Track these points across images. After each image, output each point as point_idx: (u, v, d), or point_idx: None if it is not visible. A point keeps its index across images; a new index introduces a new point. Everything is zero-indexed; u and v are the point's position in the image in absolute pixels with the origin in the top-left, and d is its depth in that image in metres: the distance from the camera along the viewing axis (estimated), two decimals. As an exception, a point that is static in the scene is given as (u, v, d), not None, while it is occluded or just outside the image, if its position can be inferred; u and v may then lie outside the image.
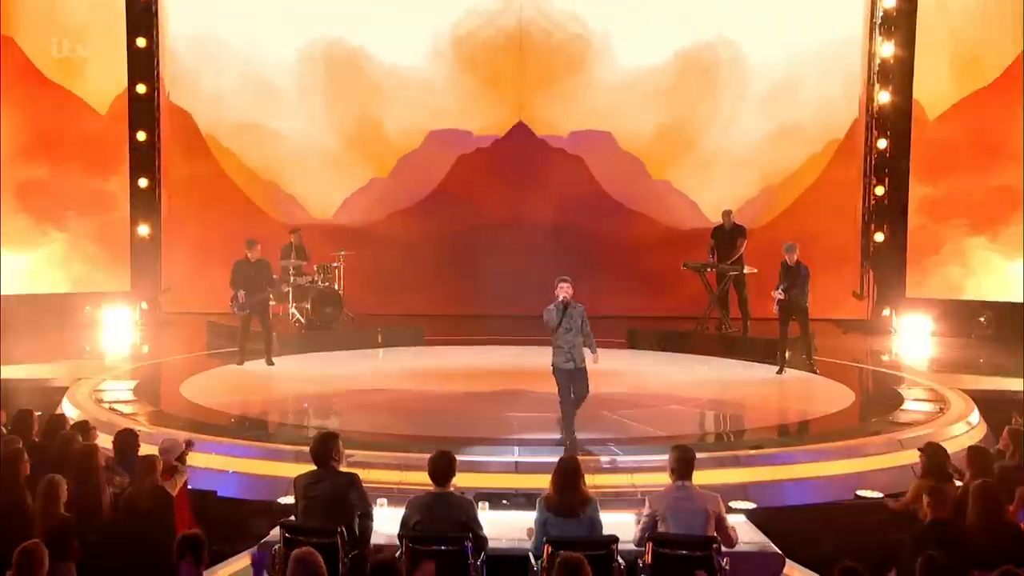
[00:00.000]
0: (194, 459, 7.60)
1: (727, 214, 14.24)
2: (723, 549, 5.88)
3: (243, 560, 6.80)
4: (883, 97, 16.41)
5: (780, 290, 12.12)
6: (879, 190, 16.58)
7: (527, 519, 6.31)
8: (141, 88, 16.37)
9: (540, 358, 12.42)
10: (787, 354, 12.55)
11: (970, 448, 7.67)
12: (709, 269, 14.19)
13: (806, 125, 16.95)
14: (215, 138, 17.18)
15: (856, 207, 16.90)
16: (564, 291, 8.94)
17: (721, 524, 6.02)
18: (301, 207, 17.23)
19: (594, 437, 9.40)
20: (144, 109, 16.46)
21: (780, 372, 12.46)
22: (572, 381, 8.99)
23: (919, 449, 7.51)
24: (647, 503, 6.11)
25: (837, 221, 16.78)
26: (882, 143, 16.49)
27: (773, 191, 17.01)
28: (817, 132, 16.96)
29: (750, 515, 7.16)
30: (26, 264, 16.04)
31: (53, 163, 16.00)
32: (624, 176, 17.21)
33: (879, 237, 16.55)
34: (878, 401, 11.74)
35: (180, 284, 16.84)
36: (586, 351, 9.05)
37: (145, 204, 16.62)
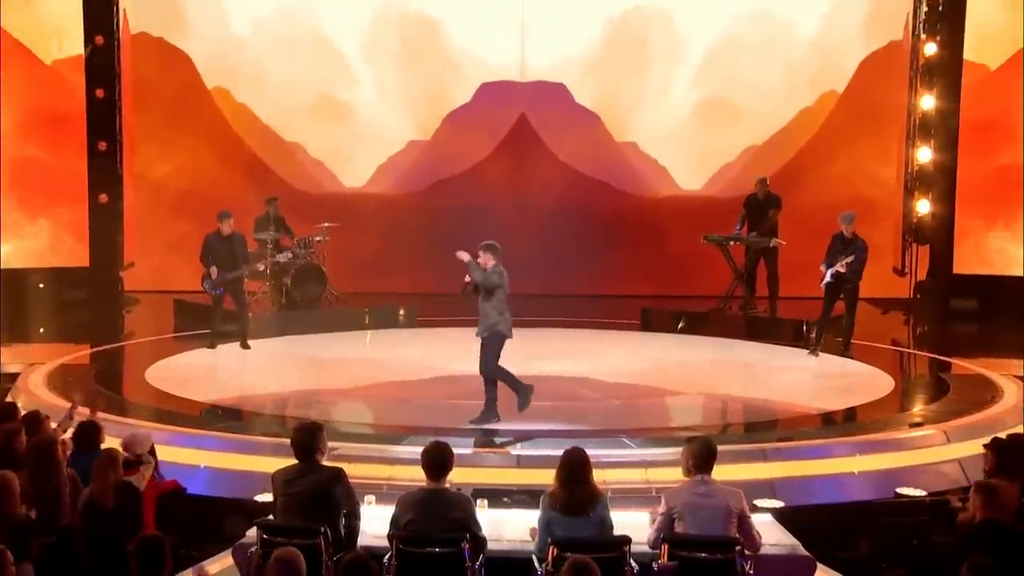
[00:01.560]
0: (161, 453, 7.65)
1: (761, 182, 14.23)
2: (747, 552, 5.93)
3: (223, 560, 6.87)
4: (929, 48, 16.26)
5: (844, 262, 12.06)
6: (923, 153, 16.51)
7: (530, 518, 6.36)
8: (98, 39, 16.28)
9: (544, 342, 12.50)
10: (824, 336, 12.60)
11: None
12: (732, 242, 14.21)
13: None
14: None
15: (896, 174, 16.91)
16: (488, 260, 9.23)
17: (744, 523, 6.06)
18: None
19: (605, 428, 9.44)
20: (102, 63, 16.35)
21: (813, 355, 12.51)
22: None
23: (985, 446, 7.34)
24: (662, 500, 6.14)
25: (872, 189, 16.80)
26: (928, 101, 16.38)
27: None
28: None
29: (777, 514, 7.18)
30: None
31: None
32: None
33: (923, 206, 16.51)
34: (921, 389, 11.82)
35: (144, 259, 16.87)
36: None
37: (104, 169, 16.58)
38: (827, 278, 12.22)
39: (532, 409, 9.58)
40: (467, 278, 9.26)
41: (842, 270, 12.08)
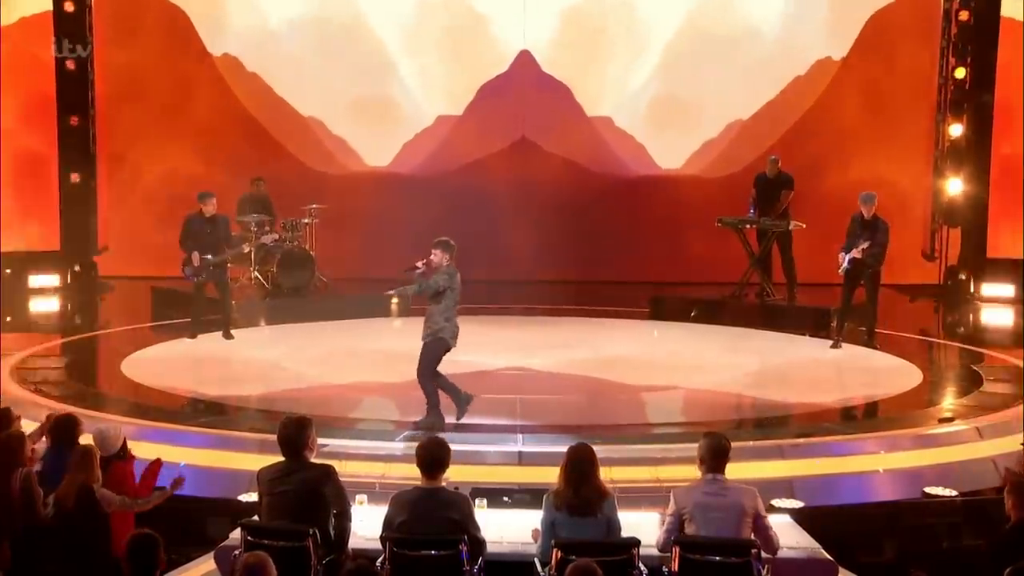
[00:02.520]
0: (139, 450, 7.67)
1: (773, 161, 14.25)
2: (763, 555, 5.95)
3: (205, 564, 6.90)
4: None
5: (860, 247, 12.06)
6: (955, 128, 16.50)
7: (532, 519, 6.39)
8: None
9: (547, 331, 12.53)
10: (845, 325, 12.62)
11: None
12: (748, 225, 14.23)
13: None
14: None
15: (926, 148, 16.90)
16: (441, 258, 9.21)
17: (760, 524, 6.08)
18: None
19: (611, 423, 9.47)
20: (71, 26, 16.22)
21: (835, 346, 12.54)
22: None
23: None
24: (672, 499, 6.16)
25: (897, 167, 16.79)
26: (960, 72, 16.35)
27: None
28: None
29: (796, 515, 7.22)
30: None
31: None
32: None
33: (955, 186, 16.49)
34: (952, 382, 11.83)
35: (120, 243, 16.89)
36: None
37: (76, 145, 16.57)
38: (844, 264, 12.22)
39: (538, 403, 9.59)
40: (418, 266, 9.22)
41: (859, 255, 12.09)
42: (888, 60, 16.91)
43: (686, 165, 17.38)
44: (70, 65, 16.30)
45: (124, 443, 7.07)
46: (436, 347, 9.29)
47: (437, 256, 9.19)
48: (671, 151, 17.37)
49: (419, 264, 9.21)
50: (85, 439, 7.00)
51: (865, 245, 12.06)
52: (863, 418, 10.36)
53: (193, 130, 17.22)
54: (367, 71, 17.30)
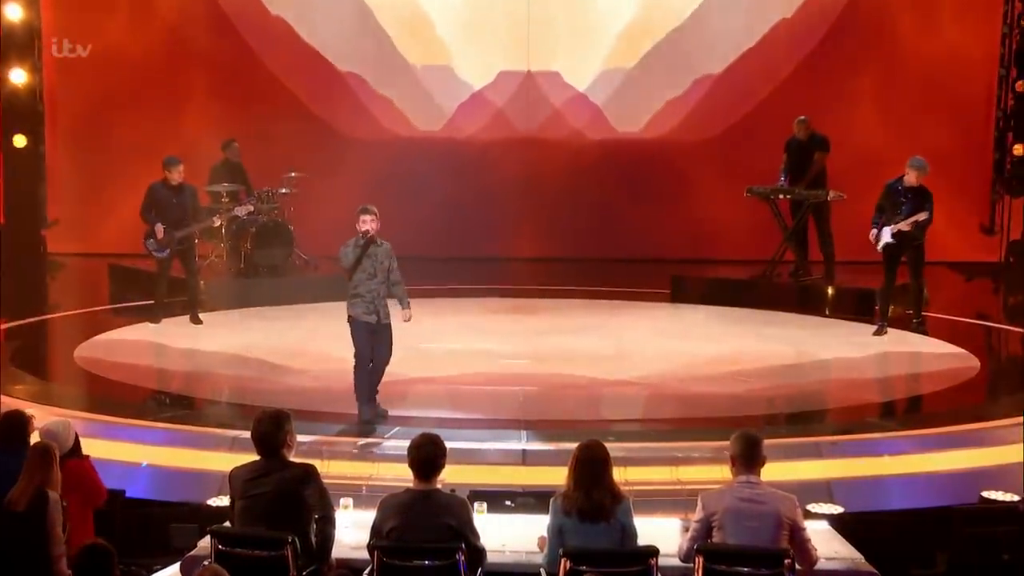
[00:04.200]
0: (95, 449, 7.71)
1: (802, 122, 14.22)
2: (798, 567, 5.97)
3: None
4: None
5: (909, 220, 12.01)
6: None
7: (538, 524, 6.43)
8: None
9: (551, 314, 12.54)
10: (891, 308, 12.65)
11: None
12: (780, 196, 14.23)
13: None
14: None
15: (984, 106, 16.84)
16: (367, 224, 9.29)
17: (798, 537, 6.07)
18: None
19: (625, 418, 9.50)
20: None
21: (880, 332, 12.56)
22: (374, 340, 9.38)
23: None
24: (700, 504, 6.16)
25: (947, 128, 16.72)
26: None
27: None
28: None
29: (835, 521, 7.27)
30: None
31: None
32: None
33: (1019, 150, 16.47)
34: (1013, 371, 11.83)
35: (72, 215, 16.90)
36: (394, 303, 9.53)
37: (22, 104, 16.53)
38: (886, 238, 12.19)
39: (543, 396, 9.56)
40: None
41: (907, 228, 12.06)
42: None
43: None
44: (13, 14, 16.19)
45: (77, 439, 7.10)
46: (352, 327, 9.50)
47: (370, 222, 9.30)
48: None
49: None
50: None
51: (922, 216, 12.03)
52: (911, 412, 10.38)
53: (169, 84, 17.12)
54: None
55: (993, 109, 16.85)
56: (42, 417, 8.06)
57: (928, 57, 16.80)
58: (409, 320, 9.55)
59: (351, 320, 9.48)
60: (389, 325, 9.49)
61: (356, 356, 9.48)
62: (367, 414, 9.44)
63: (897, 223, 12.07)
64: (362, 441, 8.90)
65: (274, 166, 15.15)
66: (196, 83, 17.15)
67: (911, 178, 12.12)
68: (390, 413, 9.54)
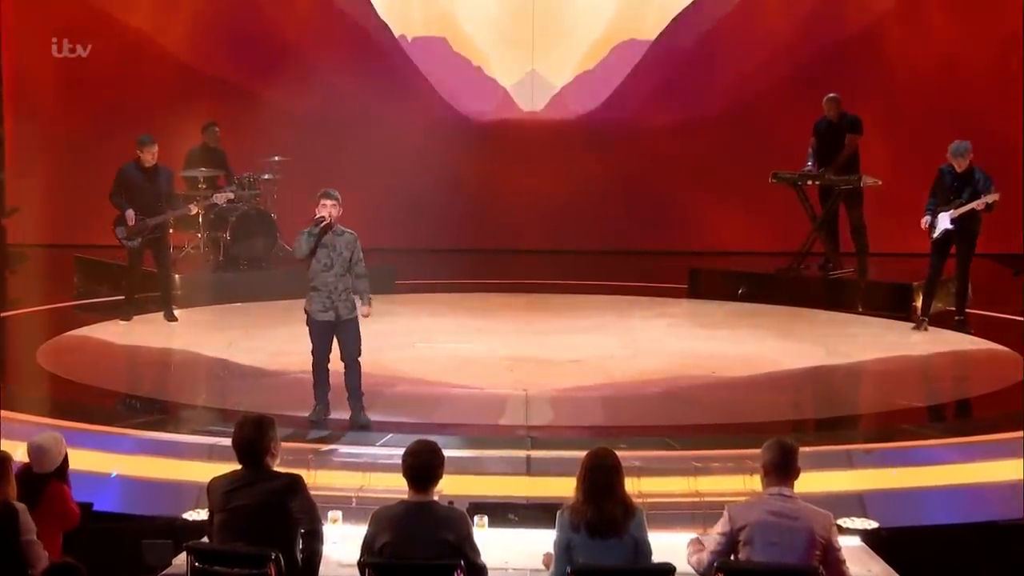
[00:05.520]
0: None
1: (832, 101, 14.22)
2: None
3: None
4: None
5: (979, 202, 12.10)
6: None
7: (544, 540, 6.45)
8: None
9: (560, 311, 12.56)
10: (932, 304, 12.69)
11: None
12: (809, 182, 14.24)
13: None
14: None
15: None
16: (326, 209, 9.31)
17: (832, 559, 6.00)
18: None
19: (640, 424, 9.52)
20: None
21: (919, 328, 12.60)
22: (337, 337, 9.52)
23: None
24: (727, 516, 6.10)
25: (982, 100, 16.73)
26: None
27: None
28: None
29: (869, 537, 7.27)
30: None
31: None
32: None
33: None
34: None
35: (34, 203, 16.92)
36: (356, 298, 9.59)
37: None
38: (945, 224, 12.26)
39: (550, 399, 9.59)
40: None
41: (980, 207, 12.15)
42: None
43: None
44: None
45: (66, 460, 7.09)
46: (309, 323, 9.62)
47: (330, 207, 9.33)
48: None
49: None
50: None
51: (993, 197, 12.13)
52: (952, 418, 10.40)
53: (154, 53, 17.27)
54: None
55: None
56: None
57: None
58: (368, 316, 9.57)
59: (308, 317, 9.55)
60: (354, 320, 9.50)
61: (314, 353, 9.56)
62: (318, 414, 9.53)
63: (956, 208, 12.20)
64: (353, 449, 8.92)
65: (255, 151, 15.19)
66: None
67: (957, 164, 12.28)
68: (384, 419, 9.57)
